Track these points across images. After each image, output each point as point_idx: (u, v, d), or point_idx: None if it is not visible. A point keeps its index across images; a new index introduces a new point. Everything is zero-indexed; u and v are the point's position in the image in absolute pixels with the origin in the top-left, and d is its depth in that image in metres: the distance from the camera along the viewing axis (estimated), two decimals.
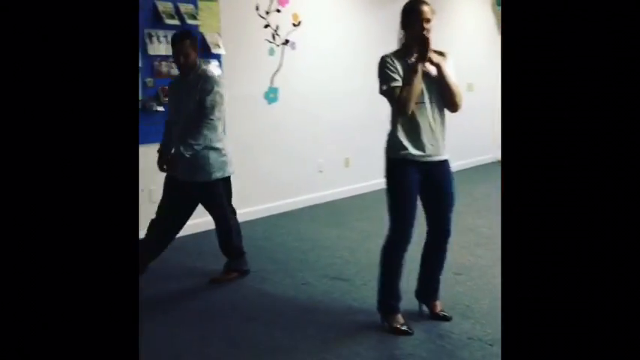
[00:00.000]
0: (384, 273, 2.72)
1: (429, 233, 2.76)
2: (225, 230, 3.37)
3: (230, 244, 3.41)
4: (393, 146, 2.61)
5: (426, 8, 2.50)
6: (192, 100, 3.12)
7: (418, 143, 2.55)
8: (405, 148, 2.55)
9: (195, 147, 3.11)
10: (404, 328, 2.68)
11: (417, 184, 2.60)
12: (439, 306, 2.86)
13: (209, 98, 3.10)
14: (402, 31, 2.60)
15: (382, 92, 2.55)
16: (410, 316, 2.80)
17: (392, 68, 2.51)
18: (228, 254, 3.45)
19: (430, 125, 2.55)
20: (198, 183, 3.22)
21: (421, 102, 2.52)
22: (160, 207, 3.33)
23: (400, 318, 2.72)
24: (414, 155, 2.55)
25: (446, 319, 2.81)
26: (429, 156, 2.57)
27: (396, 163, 2.61)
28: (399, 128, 2.57)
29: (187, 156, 3.11)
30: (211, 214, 3.37)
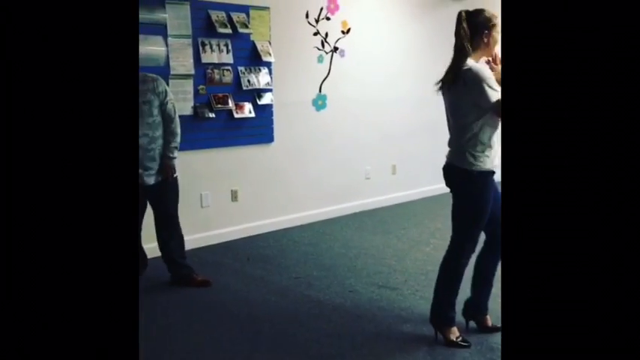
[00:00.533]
0: (445, 284, 2.67)
1: (486, 242, 2.70)
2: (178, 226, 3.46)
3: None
4: (474, 158, 2.48)
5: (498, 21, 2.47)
6: (153, 105, 3.18)
7: (492, 153, 2.49)
8: (486, 161, 2.48)
9: (178, 147, 3.32)
10: (461, 341, 2.65)
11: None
12: (490, 320, 2.81)
13: (169, 99, 3.25)
14: (468, 39, 2.45)
15: (493, 105, 2.37)
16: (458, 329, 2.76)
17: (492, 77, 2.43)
18: (183, 254, 3.51)
19: (497, 136, 2.48)
20: (175, 181, 3.36)
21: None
22: None
23: (456, 330, 2.68)
24: (490, 167, 2.49)
25: (496, 329, 2.76)
26: (497, 165, 2.51)
27: (479, 175, 2.50)
28: (481, 140, 2.46)
29: (176, 157, 3.32)
30: (172, 209, 3.40)
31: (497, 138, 2.49)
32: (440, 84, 2.54)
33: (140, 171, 3.17)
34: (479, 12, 2.47)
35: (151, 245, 3.57)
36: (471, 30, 2.44)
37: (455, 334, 2.67)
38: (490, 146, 2.48)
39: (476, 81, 2.36)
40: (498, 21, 2.46)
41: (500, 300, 3.05)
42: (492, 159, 2.50)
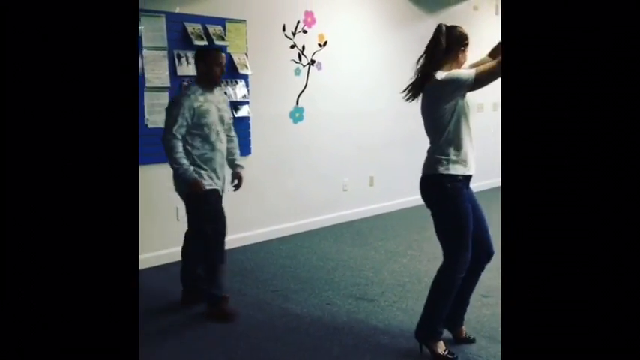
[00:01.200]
0: (438, 299, 2.61)
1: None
2: None
3: None
4: (445, 162, 2.49)
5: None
6: (230, 115, 3.29)
7: (465, 159, 2.48)
8: (456, 166, 2.47)
9: None
10: (448, 354, 2.62)
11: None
12: (464, 331, 2.81)
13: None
14: (436, 53, 2.51)
15: (473, 73, 2.41)
16: None
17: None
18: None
19: (471, 139, 2.51)
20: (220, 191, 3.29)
21: (467, 117, 2.49)
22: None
23: (443, 344, 2.65)
24: (461, 172, 2.49)
25: (469, 340, 2.76)
26: (470, 170, 2.52)
27: (449, 180, 2.49)
28: (453, 144, 2.48)
29: None
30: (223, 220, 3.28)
31: (471, 145, 2.51)
32: (410, 92, 2.57)
33: (218, 182, 3.17)
34: (455, 28, 2.54)
35: (147, 255, 3.48)
36: (446, 43, 2.49)
37: (442, 347, 2.63)
38: (461, 150, 2.48)
39: (451, 74, 2.44)
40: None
41: (477, 311, 3.09)
42: (465, 165, 2.49)
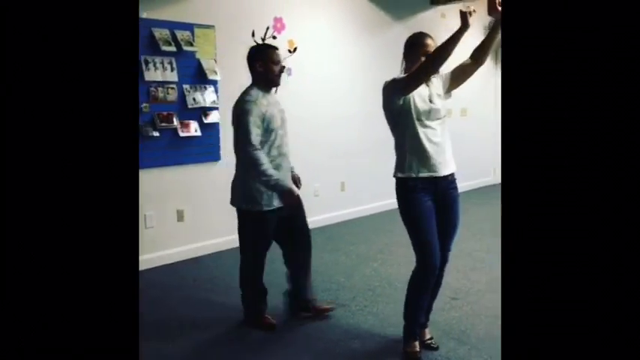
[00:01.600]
0: (408, 300, 2.66)
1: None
2: None
3: None
4: (396, 165, 2.57)
5: (430, 42, 2.54)
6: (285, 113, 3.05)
7: (404, 161, 2.52)
8: (404, 166, 2.52)
9: None
10: (418, 355, 2.64)
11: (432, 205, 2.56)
12: (428, 334, 2.80)
13: None
14: (403, 62, 2.62)
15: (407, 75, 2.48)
16: (396, 343, 2.77)
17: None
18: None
19: (438, 141, 2.53)
20: None
21: (435, 119, 2.53)
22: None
23: (417, 345, 2.67)
24: (409, 174, 2.52)
25: (433, 348, 2.75)
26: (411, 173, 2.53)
27: (398, 181, 2.56)
28: (401, 144, 2.54)
29: None
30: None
31: (419, 147, 2.51)
32: None
33: (271, 203, 2.93)
34: (410, 36, 2.62)
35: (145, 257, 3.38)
36: (407, 54, 2.61)
37: (413, 348, 2.65)
38: (403, 153, 2.53)
39: (387, 81, 2.52)
40: (430, 43, 2.54)
41: (445, 313, 3.12)
42: (402, 170, 2.52)
